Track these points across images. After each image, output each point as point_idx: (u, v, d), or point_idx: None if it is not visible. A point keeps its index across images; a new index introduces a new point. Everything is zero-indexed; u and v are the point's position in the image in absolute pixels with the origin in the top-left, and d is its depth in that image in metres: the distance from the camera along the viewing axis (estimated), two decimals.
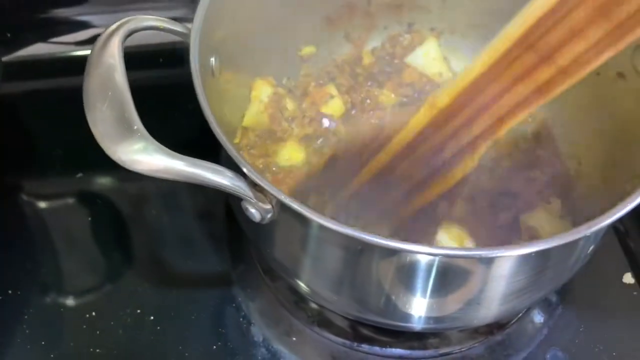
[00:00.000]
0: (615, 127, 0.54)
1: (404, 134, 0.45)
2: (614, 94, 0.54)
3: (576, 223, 0.45)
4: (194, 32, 0.45)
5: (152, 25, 0.45)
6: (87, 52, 0.73)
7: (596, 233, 0.45)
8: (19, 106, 0.73)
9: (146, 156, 0.37)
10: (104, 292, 0.59)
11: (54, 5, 0.77)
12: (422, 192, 0.48)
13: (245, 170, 0.39)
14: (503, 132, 0.42)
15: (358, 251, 0.42)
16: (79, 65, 0.74)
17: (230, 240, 0.62)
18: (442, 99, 0.42)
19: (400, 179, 0.47)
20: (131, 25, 0.44)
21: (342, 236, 0.38)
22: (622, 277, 0.58)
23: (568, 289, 0.58)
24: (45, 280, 0.59)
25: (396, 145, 0.46)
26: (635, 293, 0.57)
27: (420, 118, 0.44)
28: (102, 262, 0.61)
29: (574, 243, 0.43)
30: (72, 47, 0.77)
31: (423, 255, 0.41)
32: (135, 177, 0.44)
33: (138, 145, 0.37)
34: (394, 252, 0.41)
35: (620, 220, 0.60)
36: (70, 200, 0.66)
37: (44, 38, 0.77)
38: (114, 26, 0.43)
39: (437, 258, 0.41)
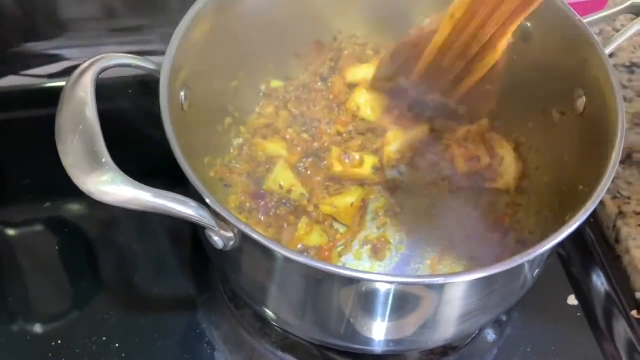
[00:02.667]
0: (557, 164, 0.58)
1: (438, 37, 0.57)
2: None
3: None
4: (164, 70, 0.48)
5: (124, 62, 0.48)
6: (58, 84, 0.78)
7: (538, 259, 0.49)
8: None
9: (113, 187, 0.39)
10: (70, 319, 0.59)
11: (27, 39, 0.78)
12: (465, 77, 0.60)
13: (207, 200, 0.41)
14: (510, 31, 0.53)
15: (318, 279, 0.45)
16: (50, 97, 0.76)
17: (197, 267, 0.63)
18: (458, 9, 0.54)
19: (446, 69, 0.59)
20: (103, 63, 0.46)
21: (302, 265, 0.41)
22: (566, 299, 0.62)
23: (517, 310, 0.61)
24: (13, 308, 0.59)
25: (435, 44, 0.58)
26: (578, 314, 0.61)
27: (445, 25, 0.56)
28: (70, 289, 0.61)
29: (518, 268, 0.46)
30: (44, 79, 0.78)
31: (379, 282, 0.43)
32: (103, 205, 0.46)
33: (105, 177, 0.39)
34: (351, 280, 0.43)
35: (563, 247, 0.65)
36: (39, 228, 0.66)
37: (16, 70, 0.78)
38: (86, 63, 0.46)
39: (392, 285, 0.44)
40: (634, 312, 0.61)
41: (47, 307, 0.60)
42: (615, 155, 0.45)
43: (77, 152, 0.40)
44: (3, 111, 0.75)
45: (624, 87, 0.76)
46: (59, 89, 0.76)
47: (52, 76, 0.78)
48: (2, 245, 0.65)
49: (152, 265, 0.63)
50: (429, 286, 0.44)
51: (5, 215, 0.67)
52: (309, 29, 0.67)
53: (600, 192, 0.43)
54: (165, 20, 0.80)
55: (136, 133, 0.71)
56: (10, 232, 0.66)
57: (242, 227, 0.40)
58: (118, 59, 0.47)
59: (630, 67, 0.78)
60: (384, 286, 0.43)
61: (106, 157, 0.40)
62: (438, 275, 0.50)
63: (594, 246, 0.66)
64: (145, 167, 0.69)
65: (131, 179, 0.40)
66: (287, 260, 0.41)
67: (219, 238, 0.43)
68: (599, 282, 0.64)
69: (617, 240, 0.65)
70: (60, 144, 0.40)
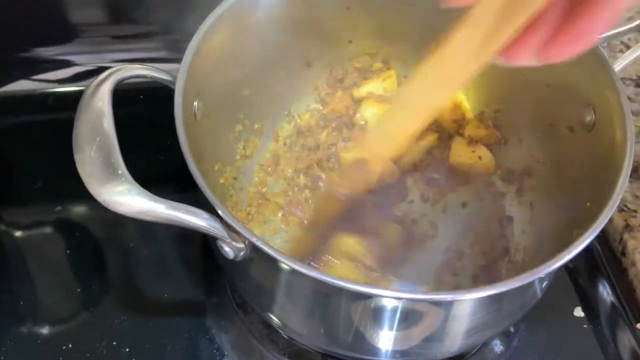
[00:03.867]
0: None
1: None
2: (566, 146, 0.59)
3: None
4: (179, 83, 0.49)
5: (141, 74, 0.48)
6: (69, 89, 0.79)
7: (547, 276, 0.49)
8: (1, 139, 0.74)
9: (128, 199, 0.39)
10: (80, 323, 0.60)
11: (37, 44, 0.79)
12: None
13: (220, 212, 0.42)
14: None
15: (326, 293, 0.45)
16: (60, 102, 0.78)
17: (206, 272, 0.64)
18: None
19: None
20: (121, 74, 0.47)
21: (310, 279, 0.41)
22: (573, 311, 0.62)
23: (524, 321, 0.61)
24: (23, 311, 0.60)
25: None
26: (585, 326, 0.61)
27: None
28: (79, 293, 0.62)
29: (526, 285, 0.46)
30: (54, 84, 0.79)
31: (388, 299, 0.43)
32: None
33: (121, 188, 0.40)
34: (360, 295, 0.43)
35: (571, 260, 0.65)
36: (49, 231, 0.67)
37: (27, 75, 0.79)
38: (104, 74, 0.47)
39: (401, 302, 0.44)
40: (639, 325, 0.61)
41: (58, 311, 0.60)
42: (624, 175, 0.46)
43: (94, 162, 0.41)
44: (15, 115, 0.76)
45: (632, 100, 0.76)
46: (69, 94, 0.79)
47: (62, 81, 0.80)
48: (13, 248, 0.66)
49: (161, 270, 0.64)
50: (437, 303, 0.45)
51: (16, 218, 0.68)
52: (320, 39, 0.67)
53: (609, 212, 0.43)
54: (173, 28, 0.81)
55: (148, 139, 0.71)
56: (21, 234, 0.67)
57: (254, 240, 0.41)
58: (135, 71, 0.48)
59: (638, 81, 0.78)
60: (392, 302, 0.44)
61: (122, 168, 0.40)
62: (447, 293, 0.50)
63: (600, 259, 0.66)
64: (156, 172, 0.71)
65: (146, 191, 0.40)
66: (296, 272, 0.42)
67: (230, 249, 0.44)
68: (606, 294, 0.64)
69: (623, 253, 0.65)
70: (78, 154, 0.41)
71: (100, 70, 0.48)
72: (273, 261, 0.42)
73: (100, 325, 0.59)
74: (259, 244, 0.41)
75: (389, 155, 0.53)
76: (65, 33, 0.80)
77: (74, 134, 0.43)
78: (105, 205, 0.40)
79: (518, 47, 0.37)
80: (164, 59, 0.83)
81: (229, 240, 0.43)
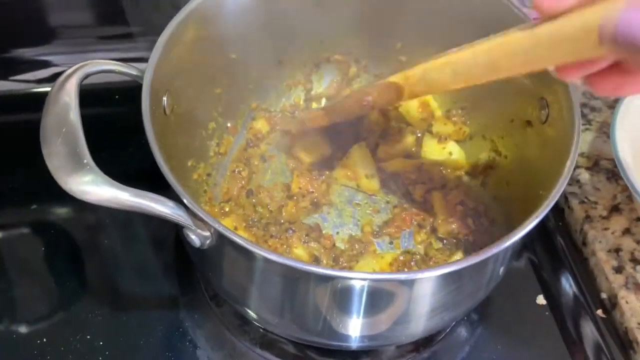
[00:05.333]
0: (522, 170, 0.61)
1: None
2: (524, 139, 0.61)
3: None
4: (147, 77, 0.50)
5: (108, 69, 0.50)
6: (46, 89, 0.79)
7: (502, 255, 0.51)
8: None
9: (94, 187, 0.41)
10: (56, 319, 0.61)
11: (16, 45, 0.80)
12: None
13: (185, 201, 0.44)
14: None
15: (293, 278, 0.46)
16: (38, 102, 0.78)
17: (179, 268, 0.65)
18: None
19: None
20: (88, 69, 0.48)
21: (275, 264, 0.43)
22: (535, 299, 0.64)
23: (488, 309, 0.63)
24: None
25: None
26: (547, 313, 0.63)
27: None
28: (55, 291, 0.63)
29: (482, 264, 0.48)
30: (32, 84, 0.80)
31: (353, 280, 0.45)
32: (88, 207, 0.47)
33: (87, 178, 0.41)
34: (325, 278, 0.45)
35: (534, 250, 0.68)
36: (25, 230, 0.68)
37: (5, 76, 0.80)
38: (71, 69, 0.48)
39: (365, 282, 0.46)
40: (599, 312, 0.64)
41: (33, 308, 0.61)
42: (571, 159, 0.48)
43: (60, 154, 0.42)
44: None
45: (594, 97, 0.79)
46: (47, 94, 0.80)
47: (40, 81, 0.80)
48: None
49: (136, 267, 0.65)
50: (400, 282, 0.46)
51: None
52: (291, 37, 0.69)
53: (556, 194, 0.46)
54: (152, 29, 0.82)
55: (123, 138, 0.72)
56: None
57: (217, 226, 0.42)
58: (102, 66, 0.49)
59: None
60: (357, 283, 0.45)
61: (88, 158, 0.42)
62: (408, 272, 0.52)
63: (562, 249, 0.69)
64: (131, 171, 0.71)
65: (111, 180, 0.42)
66: (262, 259, 0.43)
67: (196, 237, 0.45)
68: (567, 283, 0.66)
69: (584, 244, 0.68)
70: (45, 146, 0.42)
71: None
72: (238, 247, 0.43)
73: (74, 321, 0.60)
74: (221, 229, 0.42)
75: (420, 95, 0.59)
76: (45, 34, 0.81)
77: (41, 128, 0.45)
78: (72, 195, 0.41)
79: (571, 69, 0.42)
80: (143, 59, 0.84)
81: (194, 228, 0.45)
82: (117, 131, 0.72)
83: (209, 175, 0.68)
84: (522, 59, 0.45)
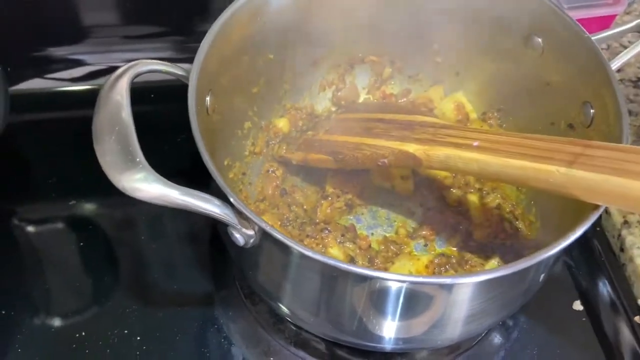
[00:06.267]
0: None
1: None
2: None
3: None
4: (192, 77, 0.51)
5: (156, 69, 0.50)
6: (81, 87, 0.81)
7: (544, 263, 0.51)
8: (16, 136, 0.76)
9: (146, 185, 0.41)
10: (92, 313, 0.62)
11: (51, 44, 0.81)
12: None
13: (232, 200, 0.44)
14: None
15: (333, 277, 0.47)
16: (73, 100, 0.80)
17: (214, 264, 0.66)
18: None
19: None
20: (138, 69, 0.49)
21: (319, 263, 0.43)
22: (572, 305, 0.64)
23: (524, 314, 0.63)
24: (36, 303, 0.62)
25: None
26: (583, 319, 0.63)
27: None
28: (91, 285, 0.64)
29: (523, 272, 0.48)
30: (67, 82, 0.81)
31: (392, 281, 0.45)
32: (124, 203, 0.47)
33: (139, 175, 0.42)
34: (365, 278, 0.45)
35: (571, 255, 0.67)
36: (62, 226, 0.69)
37: (40, 74, 0.81)
38: (122, 69, 0.49)
39: (404, 284, 0.46)
40: (636, 318, 0.63)
41: (69, 302, 0.62)
42: None
43: (113, 151, 0.43)
44: (29, 112, 0.78)
45: (631, 101, 0.78)
46: (81, 92, 0.81)
47: (74, 80, 0.82)
48: (27, 242, 0.68)
49: (171, 263, 0.66)
50: (440, 286, 0.46)
51: (30, 213, 0.70)
52: (327, 38, 0.69)
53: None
54: (182, 29, 0.83)
55: (159, 137, 0.73)
56: (35, 229, 0.69)
57: (263, 225, 0.43)
58: (151, 65, 0.50)
59: (637, 82, 0.80)
60: (395, 285, 0.45)
61: (140, 156, 0.42)
62: (448, 277, 0.52)
63: (599, 254, 0.68)
64: (168, 169, 0.73)
65: (162, 178, 0.42)
66: (304, 257, 0.43)
67: (240, 235, 0.46)
68: (604, 289, 0.66)
69: (622, 249, 0.67)
70: (98, 144, 0.43)
71: (111, 69, 0.50)
72: (282, 246, 0.43)
73: (111, 315, 0.61)
74: (268, 229, 0.43)
75: (433, 172, 0.61)
76: (78, 33, 0.82)
77: (93, 127, 0.45)
78: (124, 192, 0.42)
79: None
80: (172, 59, 0.85)
81: (239, 227, 0.45)
82: (151, 132, 0.73)
83: (244, 174, 0.68)
84: (554, 189, 0.47)
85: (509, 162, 0.48)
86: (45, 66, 0.82)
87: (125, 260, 0.66)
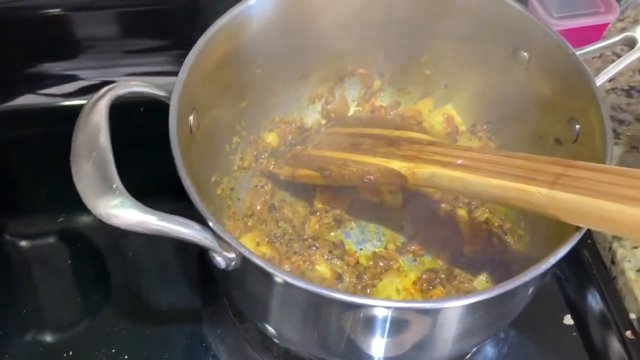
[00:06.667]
0: None
1: None
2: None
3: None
4: (174, 101, 0.50)
5: (137, 90, 0.50)
6: (73, 102, 0.81)
7: (533, 282, 0.50)
8: (6, 152, 0.77)
9: (122, 211, 0.41)
10: (81, 331, 0.62)
11: (44, 60, 0.81)
12: None
13: (210, 223, 0.44)
14: None
15: (317, 302, 0.46)
16: (65, 115, 0.79)
17: (203, 282, 0.65)
18: None
19: None
20: (117, 91, 0.49)
21: (301, 290, 0.43)
22: (562, 319, 0.63)
23: (514, 328, 0.62)
24: (26, 319, 0.62)
25: None
26: (574, 333, 0.62)
27: None
28: (81, 302, 0.64)
29: (511, 292, 0.47)
30: (60, 98, 0.81)
31: (376, 307, 0.45)
32: None
33: (116, 201, 0.41)
34: (349, 305, 0.45)
35: (560, 267, 0.66)
36: (52, 241, 0.69)
37: (33, 89, 0.81)
38: (102, 91, 0.49)
39: (390, 310, 0.45)
40: (628, 333, 0.62)
41: (59, 319, 0.62)
42: None
43: (90, 176, 0.42)
44: (20, 128, 0.78)
45: (622, 110, 0.77)
46: (74, 108, 0.80)
47: (67, 95, 0.81)
48: (17, 257, 0.68)
49: (160, 279, 0.66)
50: (425, 311, 0.46)
51: (20, 228, 0.70)
52: (316, 51, 0.69)
53: None
54: (179, 42, 0.83)
55: (146, 149, 0.73)
56: (25, 244, 0.69)
57: (243, 251, 0.42)
58: (131, 87, 0.49)
59: (629, 91, 0.79)
60: (381, 311, 0.45)
61: (117, 182, 0.42)
62: (433, 301, 0.51)
63: (590, 267, 0.67)
64: (154, 181, 0.72)
65: (139, 204, 0.42)
66: (286, 284, 0.43)
67: (221, 259, 0.45)
68: (595, 302, 0.65)
69: (612, 262, 0.66)
70: (75, 167, 0.43)
71: (104, 84, 0.50)
72: (261, 271, 0.43)
73: (100, 333, 0.61)
74: (247, 254, 0.42)
75: (419, 189, 0.60)
76: (71, 48, 0.81)
77: (72, 149, 0.45)
78: (100, 218, 0.42)
79: None
80: (169, 73, 0.84)
81: (220, 250, 0.45)
82: (139, 143, 0.73)
83: (232, 189, 0.68)
84: (535, 210, 0.47)
85: (491, 182, 0.48)
86: (38, 82, 0.82)
87: (115, 276, 0.66)
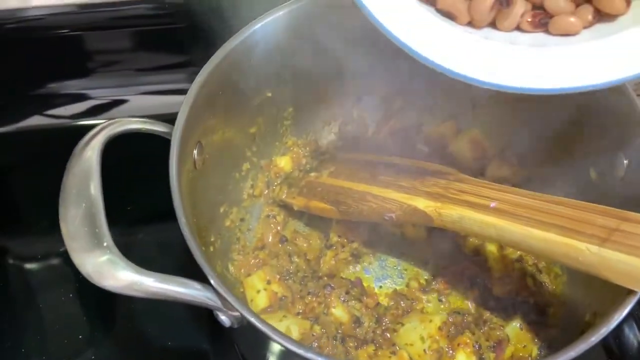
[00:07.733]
0: None
1: None
2: None
3: None
4: (175, 136, 0.46)
5: (134, 128, 0.46)
6: (81, 123, 0.77)
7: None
8: (14, 173, 0.74)
9: (113, 272, 0.37)
10: None
11: (52, 80, 0.78)
12: None
13: (212, 282, 0.39)
14: None
15: None
16: (72, 136, 0.77)
17: (212, 323, 0.61)
18: None
19: None
20: (114, 129, 0.45)
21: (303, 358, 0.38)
22: None
23: None
24: (27, 349, 0.60)
25: None
26: None
27: None
28: (85, 335, 0.61)
29: None
30: (67, 120, 0.78)
31: None
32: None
33: (106, 261, 0.37)
34: None
35: None
36: (56, 263, 0.66)
37: (41, 110, 0.78)
38: (95, 129, 0.45)
39: None
40: None
41: (61, 353, 0.60)
42: None
43: (78, 231, 0.38)
44: (28, 149, 0.75)
45: None
46: (82, 128, 0.77)
47: (75, 116, 0.79)
48: (20, 281, 0.65)
49: (167, 320, 0.62)
50: None
51: (24, 251, 0.67)
52: (332, 71, 0.64)
53: None
54: (194, 59, 0.79)
55: (154, 175, 0.69)
56: (29, 267, 0.66)
57: (246, 314, 0.38)
58: (128, 125, 0.46)
59: None
60: None
61: (108, 240, 0.38)
62: None
63: None
64: (161, 207, 0.69)
65: (132, 264, 0.38)
66: (289, 351, 0.39)
67: (226, 317, 0.42)
68: (631, 333, 0.59)
69: None
70: (63, 222, 0.40)
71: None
72: (268, 337, 0.39)
73: None
74: (252, 319, 0.38)
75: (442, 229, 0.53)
76: (81, 68, 0.78)
77: (61, 191, 0.42)
78: (89, 279, 0.38)
79: None
80: (182, 91, 0.82)
81: (224, 309, 0.41)
82: (145, 170, 0.69)
83: (242, 220, 0.64)
84: (582, 269, 0.41)
85: (532, 233, 0.42)
86: (46, 103, 0.79)
87: (120, 315, 0.63)
